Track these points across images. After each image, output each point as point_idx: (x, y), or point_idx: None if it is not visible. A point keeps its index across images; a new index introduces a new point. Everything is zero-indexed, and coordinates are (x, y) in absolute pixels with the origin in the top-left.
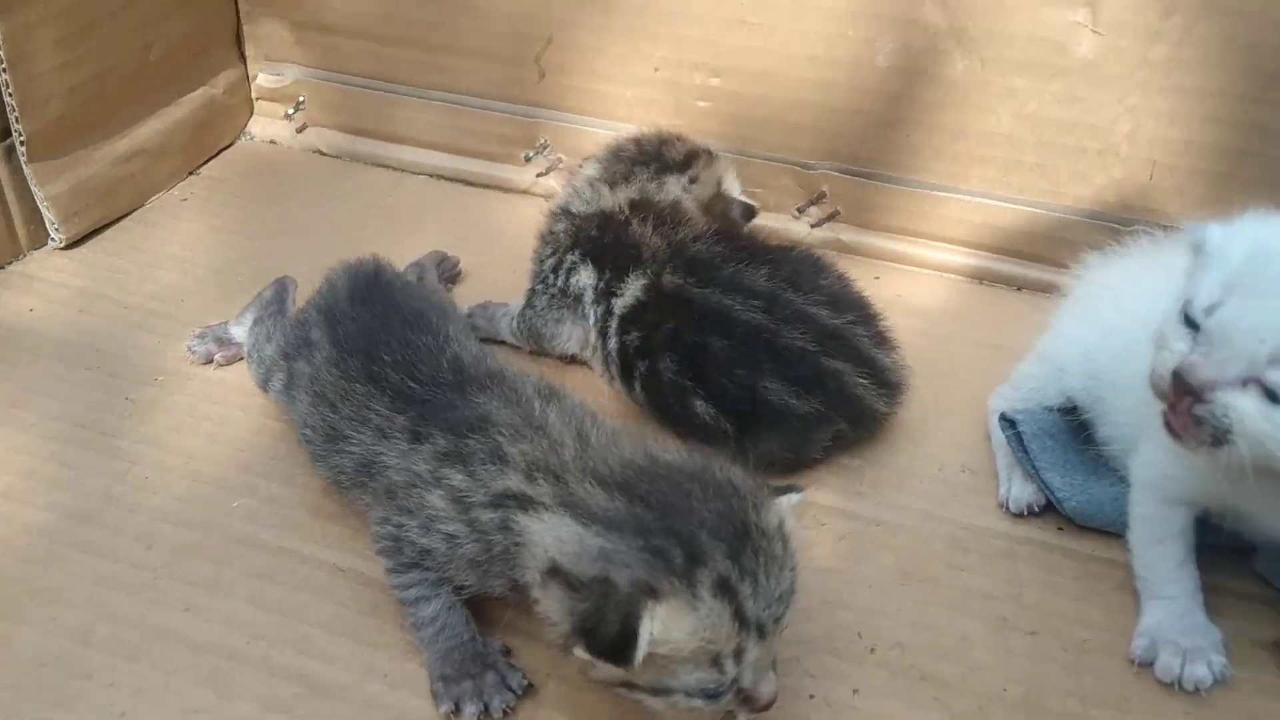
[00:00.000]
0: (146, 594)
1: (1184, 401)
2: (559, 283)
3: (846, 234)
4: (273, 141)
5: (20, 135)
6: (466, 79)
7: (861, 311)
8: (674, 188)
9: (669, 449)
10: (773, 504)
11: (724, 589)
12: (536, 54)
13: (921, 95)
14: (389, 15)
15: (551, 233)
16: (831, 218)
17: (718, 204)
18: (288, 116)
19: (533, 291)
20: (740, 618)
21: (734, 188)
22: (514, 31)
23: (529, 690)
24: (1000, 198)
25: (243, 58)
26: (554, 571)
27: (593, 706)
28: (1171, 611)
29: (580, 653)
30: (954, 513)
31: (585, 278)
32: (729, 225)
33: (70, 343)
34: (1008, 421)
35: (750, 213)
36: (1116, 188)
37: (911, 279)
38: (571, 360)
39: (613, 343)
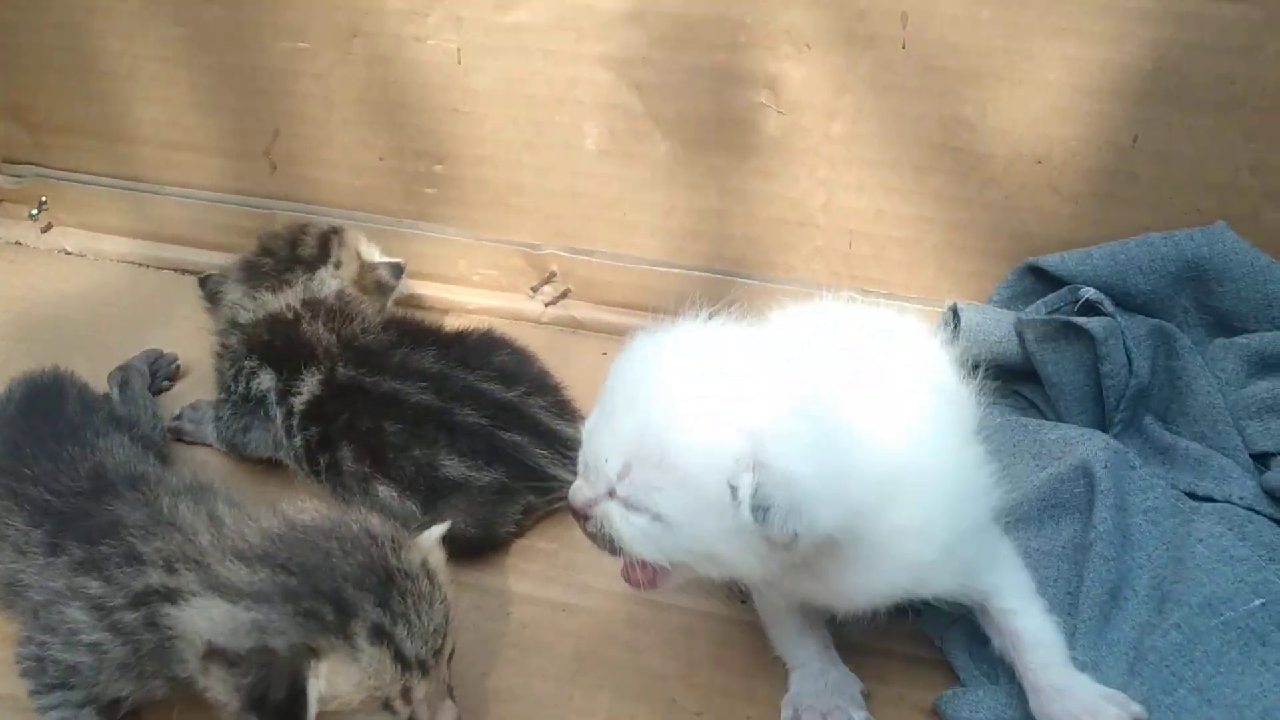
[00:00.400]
0: None
1: (581, 522)
2: (240, 389)
3: (579, 310)
4: (18, 243)
5: None
6: (201, 173)
7: (536, 383)
8: (327, 278)
9: (306, 508)
10: (413, 544)
11: (379, 635)
12: (265, 147)
13: (631, 175)
14: (120, 115)
15: (225, 346)
16: (564, 296)
17: (367, 275)
18: (31, 217)
19: (219, 403)
20: (400, 659)
21: (373, 254)
22: (241, 127)
23: None
24: (716, 270)
25: None
26: (212, 653)
27: None
28: (807, 676)
29: None
30: (642, 592)
31: (266, 380)
32: (383, 296)
33: None
34: None
35: (398, 270)
36: (820, 256)
37: None
38: (273, 462)
39: (297, 440)
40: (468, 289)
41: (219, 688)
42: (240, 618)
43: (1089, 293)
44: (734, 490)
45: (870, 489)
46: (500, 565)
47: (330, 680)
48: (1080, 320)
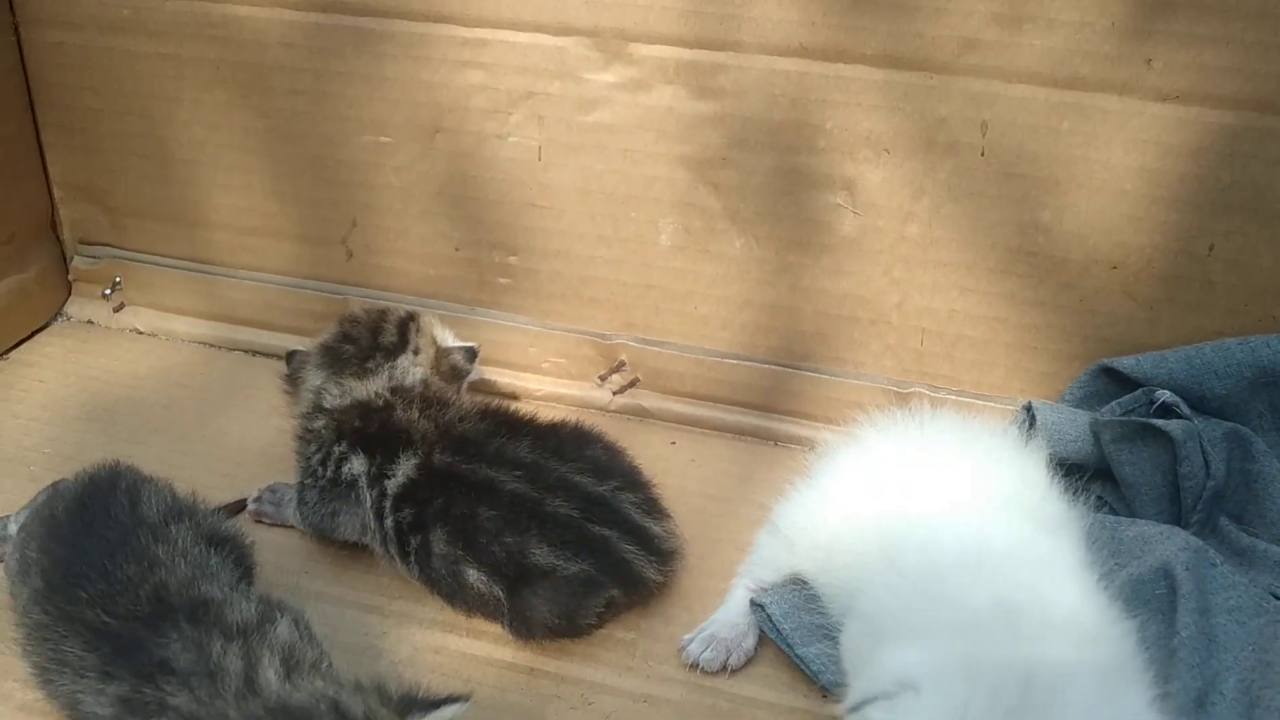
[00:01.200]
0: None
1: None
2: (329, 473)
3: (647, 400)
4: (90, 321)
5: None
6: (276, 259)
7: (627, 479)
8: (409, 366)
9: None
10: None
11: None
12: (342, 236)
13: (704, 270)
14: (198, 201)
15: (310, 430)
16: (632, 384)
17: (443, 360)
18: (104, 296)
19: (302, 486)
20: None
21: (447, 338)
22: (320, 215)
23: None
24: (785, 363)
25: (58, 241)
26: None
27: None
28: None
29: None
30: (721, 684)
31: (357, 465)
32: (457, 380)
33: None
34: (757, 605)
35: (471, 355)
36: (891, 353)
37: (707, 442)
38: (358, 545)
39: (388, 522)
40: (537, 376)
41: None
42: None
43: (1165, 395)
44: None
45: None
46: (578, 654)
47: None
48: (1159, 422)
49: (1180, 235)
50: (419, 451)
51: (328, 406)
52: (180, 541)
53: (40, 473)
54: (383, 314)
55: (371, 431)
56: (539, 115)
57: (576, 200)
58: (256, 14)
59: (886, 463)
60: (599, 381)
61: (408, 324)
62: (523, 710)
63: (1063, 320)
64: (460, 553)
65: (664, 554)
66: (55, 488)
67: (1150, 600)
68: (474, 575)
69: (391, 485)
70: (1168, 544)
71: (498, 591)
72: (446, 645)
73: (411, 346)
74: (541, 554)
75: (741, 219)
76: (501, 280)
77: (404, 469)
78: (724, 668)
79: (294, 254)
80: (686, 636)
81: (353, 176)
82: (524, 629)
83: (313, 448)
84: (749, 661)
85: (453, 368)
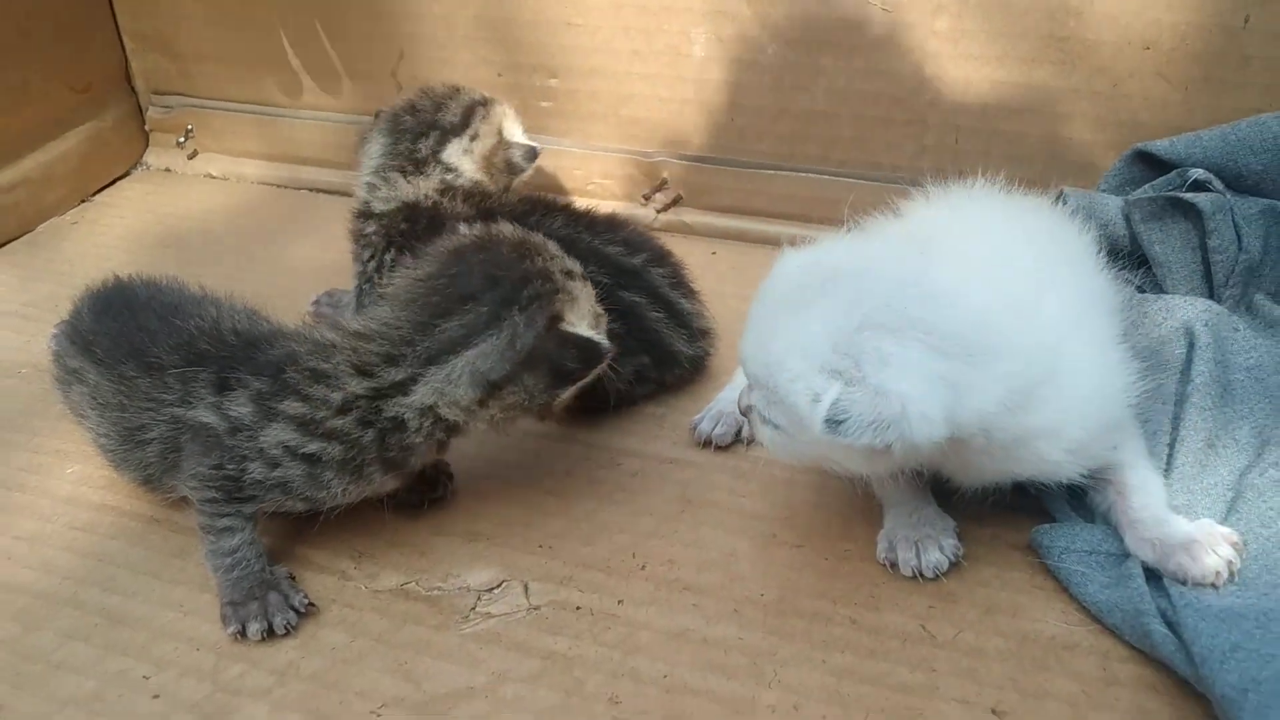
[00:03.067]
0: None
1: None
2: (382, 279)
3: (689, 216)
4: (168, 169)
5: None
6: (333, 96)
7: (657, 255)
8: (459, 155)
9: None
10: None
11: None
12: (392, 68)
13: (739, 80)
14: (257, 44)
15: (364, 235)
16: (675, 202)
17: (499, 152)
18: (179, 145)
19: (360, 291)
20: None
21: (515, 132)
22: (370, 49)
23: (311, 610)
24: (823, 170)
25: (133, 92)
26: (491, 386)
27: (370, 625)
28: (902, 512)
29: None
30: (743, 450)
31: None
32: (509, 175)
33: None
34: None
35: (532, 154)
36: (928, 153)
37: (747, 253)
38: None
39: None
40: (584, 198)
41: (514, 400)
42: (480, 352)
43: (1197, 173)
44: (815, 400)
45: (998, 397)
46: (609, 425)
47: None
48: (1187, 195)
49: (1215, 8)
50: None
51: (377, 210)
52: (220, 304)
53: None
54: (455, 91)
55: (419, 231)
56: None
57: (610, 15)
58: None
59: (937, 222)
60: (643, 200)
61: (475, 108)
62: (554, 469)
63: (1097, 107)
64: None
65: (694, 330)
66: (73, 305)
67: (1170, 359)
68: None
69: None
70: (1190, 308)
71: None
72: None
73: (470, 131)
74: None
75: (772, 24)
76: (544, 104)
77: None
78: (738, 438)
79: (348, 89)
80: (696, 416)
81: (396, 7)
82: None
83: (366, 252)
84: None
85: (508, 162)
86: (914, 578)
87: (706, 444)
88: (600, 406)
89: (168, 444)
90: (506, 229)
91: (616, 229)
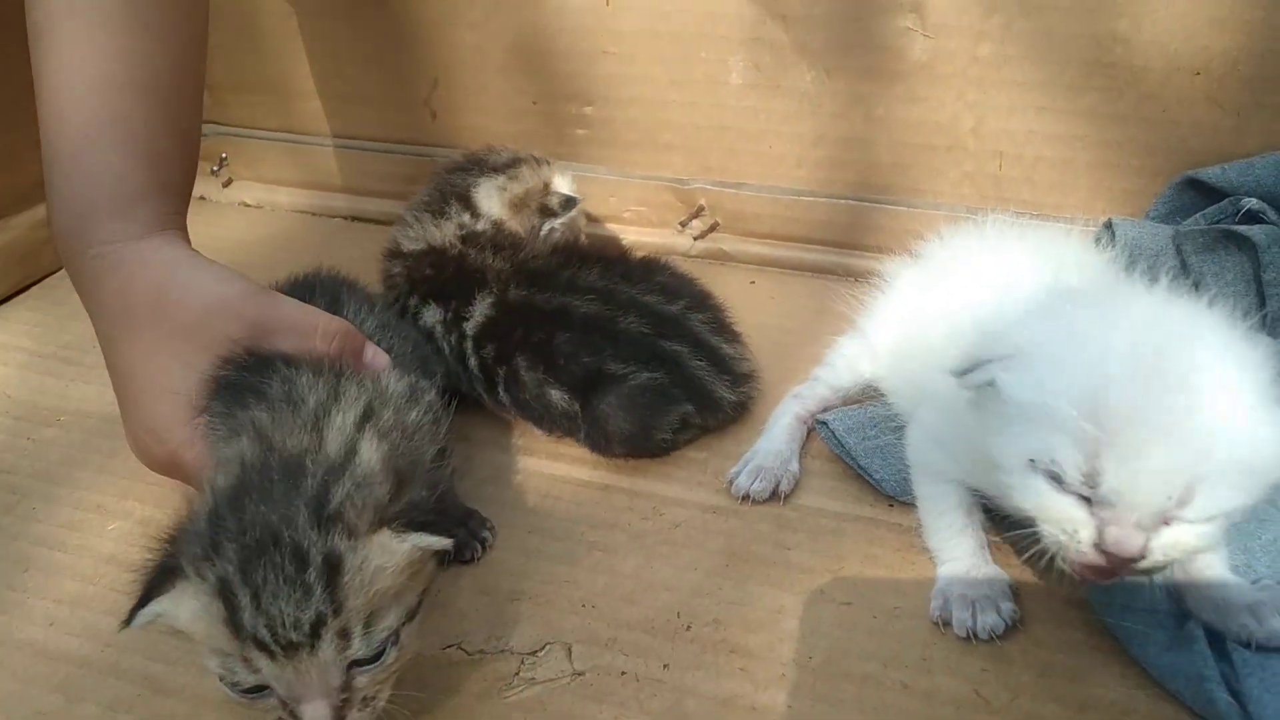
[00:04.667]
0: (15, 612)
1: (1125, 568)
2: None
3: (727, 243)
4: (202, 197)
5: None
6: (365, 124)
7: (697, 300)
8: (489, 189)
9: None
10: (345, 531)
11: (222, 590)
12: (425, 97)
13: (777, 107)
14: (290, 72)
15: (390, 275)
16: (712, 229)
17: (534, 198)
18: (213, 173)
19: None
20: (235, 625)
21: (563, 185)
22: (403, 78)
23: None
24: (862, 198)
25: None
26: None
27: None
28: (958, 569)
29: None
30: (789, 496)
31: (431, 315)
32: (540, 219)
33: None
34: (821, 423)
35: (570, 203)
36: (969, 180)
37: (785, 281)
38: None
39: (472, 362)
40: (619, 225)
41: None
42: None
43: (1251, 203)
44: None
45: None
46: (652, 471)
47: (174, 603)
48: (1241, 229)
49: (1267, 34)
50: (494, 290)
51: (405, 250)
52: None
53: None
54: (507, 148)
55: (445, 279)
56: None
57: (646, 43)
58: None
59: (964, 265)
60: (679, 228)
61: (527, 158)
62: (596, 520)
63: (1145, 134)
64: (542, 376)
65: (737, 375)
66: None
67: None
68: (556, 395)
69: (470, 326)
70: None
71: (578, 408)
72: (527, 467)
73: (512, 172)
74: (616, 366)
75: (811, 51)
76: (579, 131)
77: (480, 309)
78: (775, 495)
79: (381, 119)
80: (733, 470)
81: (431, 35)
82: (601, 440)
83: (391, 295)
84: (800, 480)
85: (543, 206)
86: (967, 638)
87: (745, 499)
88: (645, 449)
89: None
90: None
91: (653, 274)
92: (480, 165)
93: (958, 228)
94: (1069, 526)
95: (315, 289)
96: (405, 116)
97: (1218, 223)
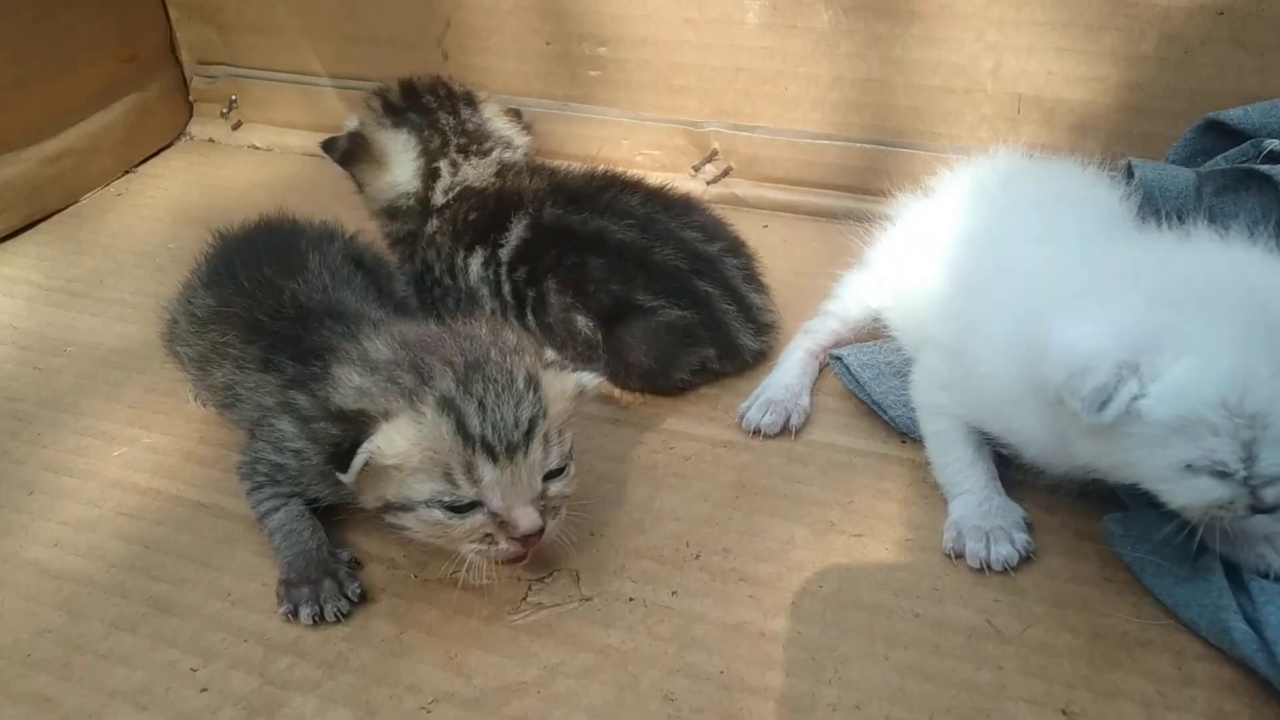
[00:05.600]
0: (20, 534)
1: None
2: (455, 282)
3: (740, 188)
4: (211, 140)
5: None
6: (377, 66)
7: (732, 246)
8: (494, 111)
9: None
10: (528, 354)
11: (447, 406)
12: (438, 37)
13: (793, 48)
14: (302, 12)
15: (424, 235)
16: (725, 174)
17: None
18: (223, 115)
19: (432, 296)
20: (463, 433)
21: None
22: (415, 18)
23: (364, 599)
24: (879, 142)
25: (178, 62)
26: (333, 415)
27: (420, 616)
28: (971, 501)
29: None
30: (800, 432)
31: (475, 264)
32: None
33: None
34: (835, 358)
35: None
36: (987, 123)
37: (799, 226)
38: None
39: (506, 288)
40: (632, 170)
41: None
42: (354, 382)
43: (1273, 143)
44: None
45: None
46: (664, 406)
47: (390, 437)
48: (1264, 168)
49: None
50: (529, 211)
51: (438, 204)
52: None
53: (165, 264)
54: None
55: (487, 215)
56: None
57: None
58: None
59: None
60: (693, 172)
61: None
62: (606, 452)
63: (1167, 75)
64: (570, 300)
65: (760, 325)
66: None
67: None
68: (582, 321)
69: (505, 253)
70: None
71: (600, 336)
72: None
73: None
74: (645, 298)
75: None
76: (592, 73)
77: (516, 232)
78: (786, 429)
79: (393, 59)
80: (743, 405)
81: None
82: (620, 370)
83: (431, 253)
84: (811, 417)
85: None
86: (980, 570)
87: (755, 433)
88: (663, 386)
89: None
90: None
91: (693, 212)
92: (454, 97)
93: (968, 160)
94: (1227, 502)
95: (262, 252)
96: (417, 58)
97: (1240, 164)
